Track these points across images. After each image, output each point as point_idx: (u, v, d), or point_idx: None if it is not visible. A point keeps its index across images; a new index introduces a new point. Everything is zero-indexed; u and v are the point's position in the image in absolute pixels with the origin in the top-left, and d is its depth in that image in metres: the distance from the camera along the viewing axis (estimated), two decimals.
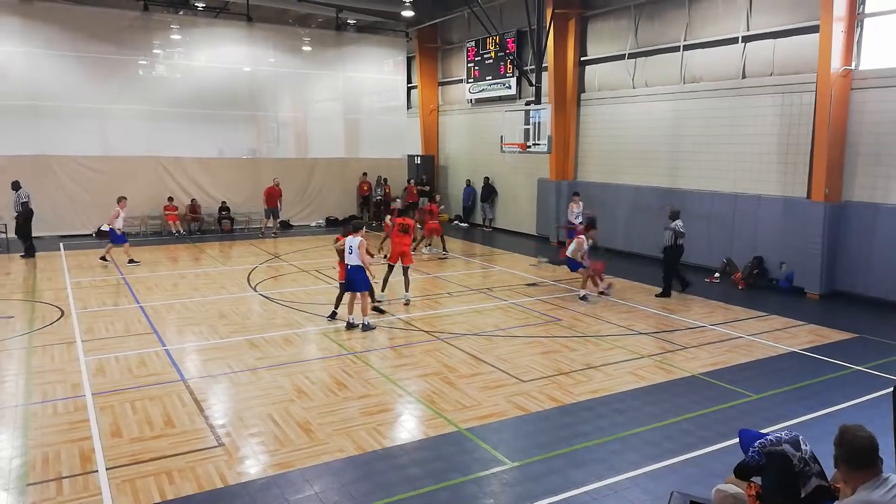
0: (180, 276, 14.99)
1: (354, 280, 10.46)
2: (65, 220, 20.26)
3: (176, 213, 21.36)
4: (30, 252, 16.87)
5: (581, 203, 17.36)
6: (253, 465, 6.16)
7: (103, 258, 16.10)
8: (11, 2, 19.22)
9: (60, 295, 12.72)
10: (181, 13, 22.15)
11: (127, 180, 20.71)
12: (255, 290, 13.65)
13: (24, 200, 16.89)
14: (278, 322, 11.12)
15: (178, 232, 21.19)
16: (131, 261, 16.09)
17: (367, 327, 10.55)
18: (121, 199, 16.30)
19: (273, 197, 21.70)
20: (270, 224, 21.78)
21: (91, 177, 20.57)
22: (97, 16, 20.44)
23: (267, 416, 7.21)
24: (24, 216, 16.91)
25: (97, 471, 5.95)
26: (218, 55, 22.63)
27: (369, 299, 11.01)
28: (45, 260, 16.68)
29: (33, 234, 17.20)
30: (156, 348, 9.64)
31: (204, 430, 6.89)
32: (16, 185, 16.94)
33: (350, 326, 10.65)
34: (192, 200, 21.87)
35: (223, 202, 22.35)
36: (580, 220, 16.28)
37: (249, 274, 15.23)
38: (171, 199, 21.44)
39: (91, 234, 20.42)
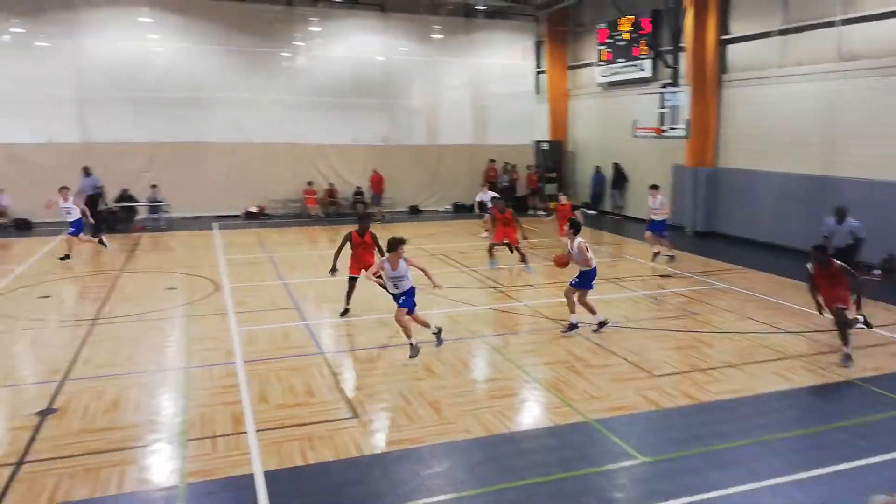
0: (319, 257, 15.83)
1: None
2: (218, 202, 22.01)
3: (315, 196, 22.61)
4: (98, 233, 17.74)
5: (659, 196, 15.76)
6: (385, 438, 6.43)
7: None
8: (175, 2, 21.08)
9: (214, 271, 13.87)
10: (320, 5, 23.27)
11: (271, 165, 22.23)
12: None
13: (98, 185, 18.47)
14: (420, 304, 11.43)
15: (316, 215, 22.40)
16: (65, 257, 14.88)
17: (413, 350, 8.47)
18: (61, 189, 15.30)
19: (377, 183, 22.45)
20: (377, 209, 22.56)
21: (240, 162, 22.19)
22: (247, 11, 21.98)
23: (397, 392, 7.48)
24: (95, 199, 18.19)
25: (246, 432, 6.46)
26: (353, 45, 23.58)
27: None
28: (202, 238, 18.25)
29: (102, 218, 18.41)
30: (297, 323, 10.28)
31: (340, 402, 7.27)
32: (87, 171, 18.37)
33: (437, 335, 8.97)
34: (331, 185, 23.00)
35: (358, 187, 23.33)
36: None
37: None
38: (310, 183, 22.70)
39: (239, 216, 22.07)
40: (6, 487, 5.42)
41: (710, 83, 18.55)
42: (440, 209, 24.80)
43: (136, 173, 20.95)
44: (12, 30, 20.44)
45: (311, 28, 23.16)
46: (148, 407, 7.13)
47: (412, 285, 8.67)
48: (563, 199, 15.10)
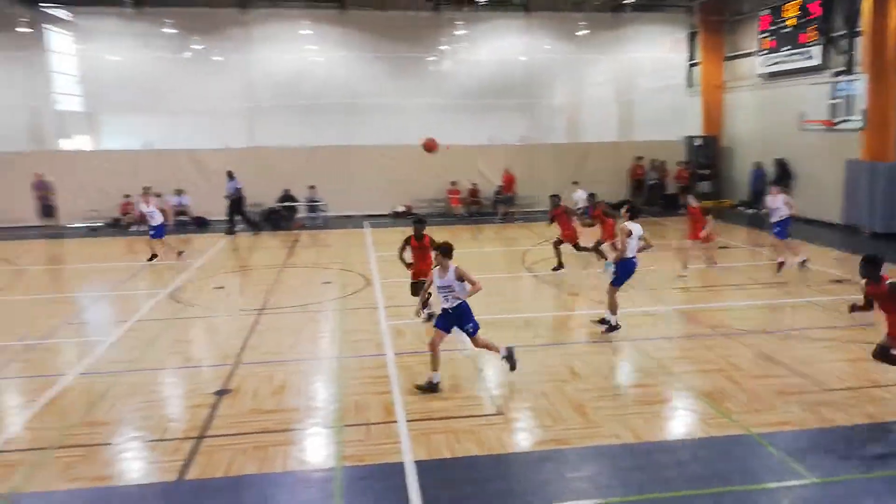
0: (463, 255, 16.11)
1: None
2: (369, 202, 23.09)
3: (458, 196, 23.07)
4: (231, 231, 19.65)
5: (780, 196, 13.57)
6: (528, 438, 6.42)
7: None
8: (332, 14, 22.44)
9: (365, 267, 14.58)
10: (465, 9, 23.69)
11: (417, 167, 22.92)
12: (528, 271, 14.13)
13: (239, 187, 19.75)
14: (550, 303, 11.37)
15: (460, 214, 22.85)
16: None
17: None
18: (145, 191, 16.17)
19: (509, 183, 22.33)
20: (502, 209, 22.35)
21: (388, 164, 23.15)
22: (396, 19, 22.92)
23: (541, 392, 7.43)
24: (235, 200, 19.69)
25: (397, 421, 6.73)
26: (496, 47, 23.82)
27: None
28: (354, 236, 19.26)
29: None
30: None
31: (484, 398, 7.37)
32: (230, 175, 19.81)
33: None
34: (474, 185, 23.34)
35: (499, 186, 23.48)
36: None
37: (524, 255, 15.80)
38: (454, 183, 23.18)
39: (388, 215, 23.02)
40: (190, 459, 6.05)
41: (891, 69, 16.61)
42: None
43: (296, 175, 22.53)
44: (193, 47, 22.85)
45: (456, 32, 23.66)
46: (308, 392, 7.64)
47: (464, 302, 7.55)
48: (693, 201, 13.90)
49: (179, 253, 15.48)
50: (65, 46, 23.87)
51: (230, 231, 19.59)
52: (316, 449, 6.31)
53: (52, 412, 7.13)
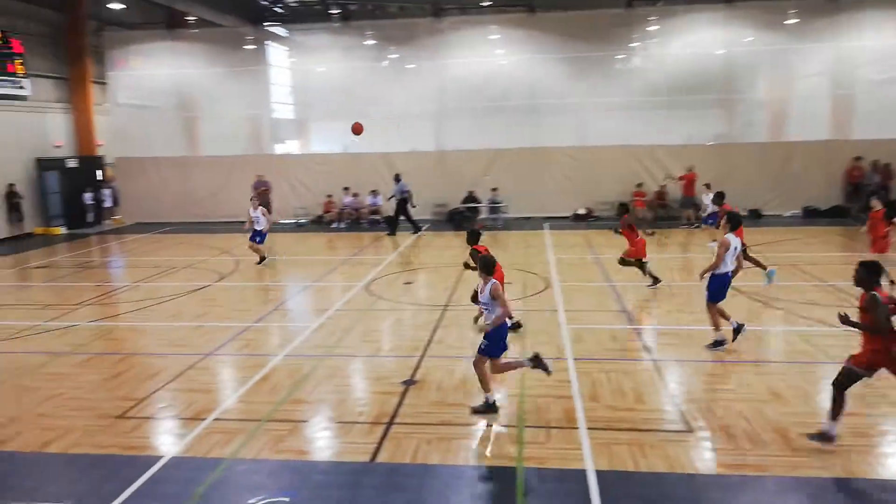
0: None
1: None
2: (549, 204, 22.99)
3: (644, 199, 22.16)
4: (392, 231, 20.49)
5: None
6: (723, 460, 5.98)
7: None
8: (520, 17, 22.66)
9: (545, 269, 14.54)
10: (659, 4, 22.65)
11: (602, 168, 22.46)
12: None
13: (405, 190, 20.48)
14: (747, 316, 10.47)
15: (644, 217, 21.92)
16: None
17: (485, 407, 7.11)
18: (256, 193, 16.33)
19: (689, 184, 20.71)
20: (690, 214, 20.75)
21: (572, 165, 22.86)
22: (583, 18, 22.52)
23: (737, 412, 6.89)
24: (401, 201, 20.46)
25: (578, 428, 6.62)
26: (692, 41, 22.40)
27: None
28: (534, 237, 19.30)
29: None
30: (625, 326, 10.19)
31: (672, 413, 7.00)
32: (398, 178, 20.60)
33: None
34: (661, 186, 22.27)
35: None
36: None
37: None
38: (639, 185, 22.31)
39: (568, 217, 22.75)
40: (380, 444, 6.45)
41: None
42: (786, 214, 22.11)
43: (479, 177, 23.09)
44: (390, 56, 24.35)
45: (649, 28, 22.72)
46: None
47: (504, 322, 7.04)
48: (877, 204, 11.79)
49: (262, 259, 15.72)
50: (281, 60, 26.67)
51: (392, 232, 20.67)
52: (497, 446, 6.41)
53: (263, 388, 7.99)
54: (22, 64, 21.65)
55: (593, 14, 22.53)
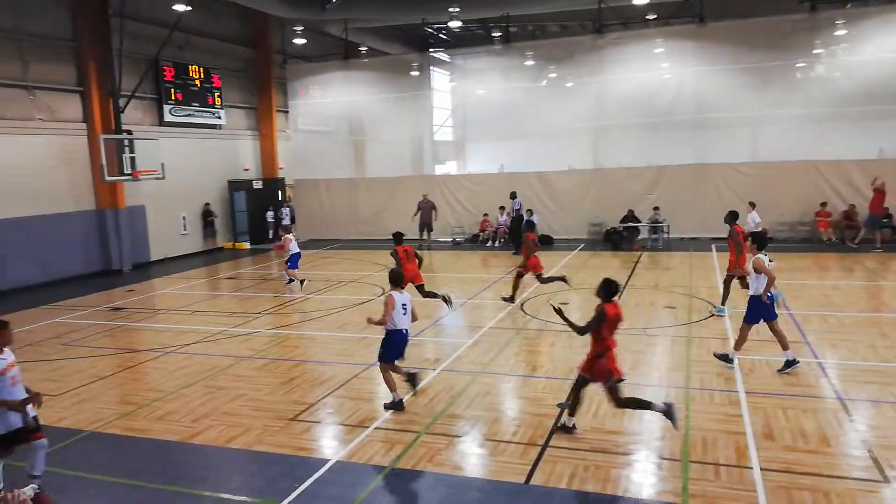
0: (832, 287, 14.00)
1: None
2: (717, 224, 21.41)
3: (828, 219, 20.08)
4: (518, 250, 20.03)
5: None
6: None
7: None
8: (689, 29, 21.63)
9: (713, 293, 13.63)
10: (849, 6, 20.56)
11: (778, 185, 20.70)
12: None
13: (517, 208, 20.82)
14: None
15: (828, 240, 19.87)
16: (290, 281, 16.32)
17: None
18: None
19: (877, 202, 18.28)
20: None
21: (744, 182, 21.31)
22: (760, 26, 20.93)
23: None
24: (516, 221, 20.50)
25: (751, 468, 6.09)
26: (888, 45, 20.00)
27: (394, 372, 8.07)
28: (699, 259, 18.21)
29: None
30: (807, 359, 9.24)
31: (864, 459, 6.22)
32: (513, 195, 21.18)
33: None
34: (851, 206, 20.06)
35: (851, 205, 19.83)
36: None
37: None
38: (823, 204, 20.25)
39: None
40: (535, 465, 6.37)
41: None
42: None
43: (640, 195, 22.24)
44: (550, 75, 24.36)
45: (836, 32, 20.65)
46: (651, 418, 7.40)
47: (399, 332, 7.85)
48: None
49: (289, 282, 16.39)
50: (442, 84, 27.74)
51: (517, 251, 20.47)
52: (660, 480, 6.07)
53: (420, 401, 8.21)
54: (219, 96, 24.47)
55: (771, 21, 20.89)
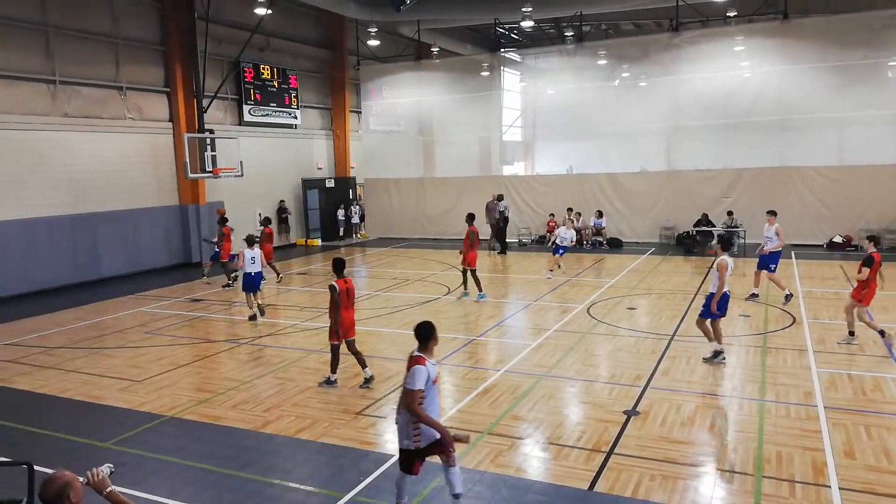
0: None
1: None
2: (797, 230, 20.61)
3: None
4: (503, 251, 21.49)
5: None
6: None
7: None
8: (771, 26, 20.75)
9: (793, 302, 13.04)
10: None
11: (866, 190, 19.61)
12: None
13: (502, 210, 21.54)
14: None
15: None
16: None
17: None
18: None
19: None
20: None
21: (828, 187, 20.31)
22: (849, 22, 19.89)
23: None
24: (503, 222, 21.59)
25: (829, 486, 5.82)
26: None
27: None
28: (778, 267, 17.40)
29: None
30: (893, 374, 8.73)
31: None
32: (500, 197, 21.89)
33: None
34: None
35: None
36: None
37: None
38: None
39: (821, 245, 20.22)
40: (599, 472, 6.28)
41: None
42: None
43: (715, 199, 21.51)
44: (623, 75, 23.87)
45: None
46: (722, 430, 7.18)
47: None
48: None
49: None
50: (512, 84, 27.63)
51: (503, 251, 21.69)
52: (730, 493, 5.87)
53: (484, 401, 8.24)
54: (296, 97, 25.21)
55: (862, 17, 19.80)
